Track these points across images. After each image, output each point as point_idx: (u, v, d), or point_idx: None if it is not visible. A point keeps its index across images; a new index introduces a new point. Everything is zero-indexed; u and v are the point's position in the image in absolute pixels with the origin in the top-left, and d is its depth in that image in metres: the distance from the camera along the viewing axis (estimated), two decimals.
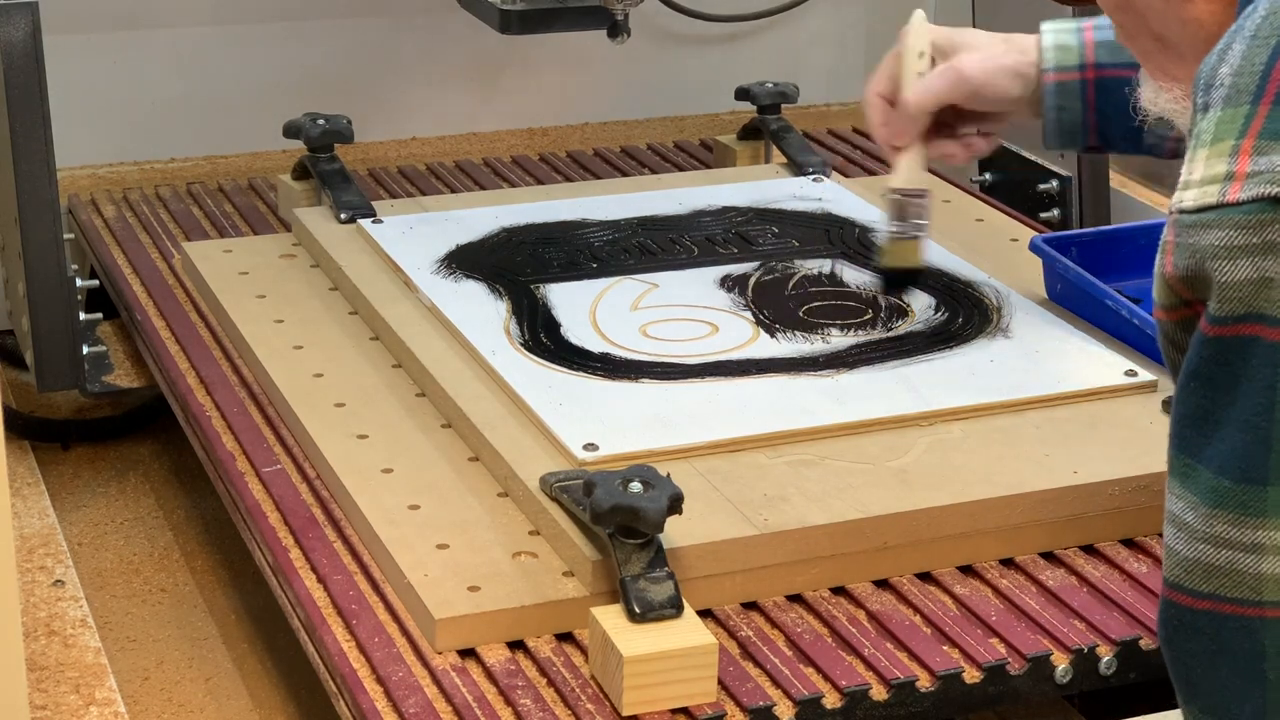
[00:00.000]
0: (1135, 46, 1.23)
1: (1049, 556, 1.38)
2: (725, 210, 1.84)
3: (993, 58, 1.55)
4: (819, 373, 1.52)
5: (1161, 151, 1.55)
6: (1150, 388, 1.51)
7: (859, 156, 2.19)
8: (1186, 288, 0.99)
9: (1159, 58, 1.21)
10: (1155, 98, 1.24)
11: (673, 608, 1.22)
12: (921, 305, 1.64)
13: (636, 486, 1.24)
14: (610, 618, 1.22)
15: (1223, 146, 0.98)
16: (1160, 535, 1.39)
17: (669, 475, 1.26)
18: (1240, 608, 0.99)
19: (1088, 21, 1.54)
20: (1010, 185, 2.12)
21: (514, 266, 1.72)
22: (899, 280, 1.64)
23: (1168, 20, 1.16)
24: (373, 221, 1.80)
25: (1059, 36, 1.54)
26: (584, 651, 1.26)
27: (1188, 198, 0.99)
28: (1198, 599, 1.00)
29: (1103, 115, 1.54)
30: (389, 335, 1.62)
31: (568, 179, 2.10)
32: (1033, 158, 2.09)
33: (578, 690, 1.22)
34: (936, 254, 1.74)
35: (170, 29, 2.15)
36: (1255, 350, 0.96)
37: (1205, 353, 0.98)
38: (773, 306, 1.64)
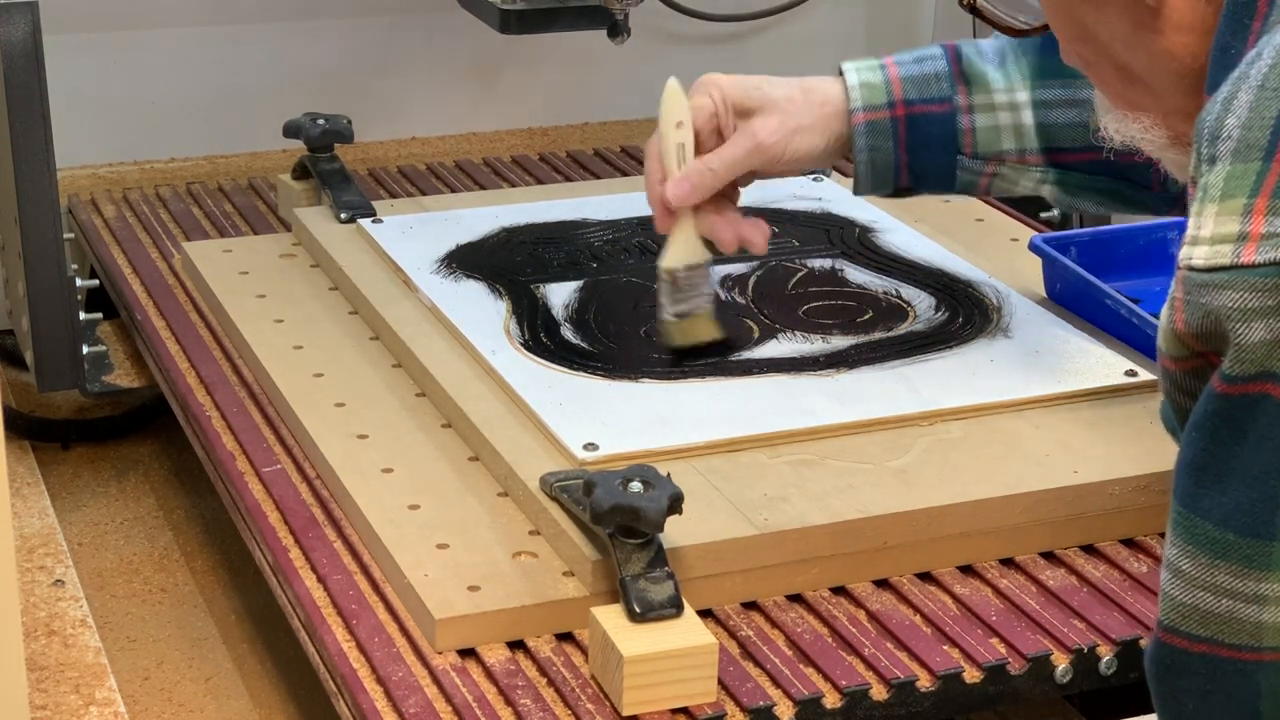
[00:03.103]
0: (1093, 74, 1.20)
1: (1049, 556, 1.38)
2: None
3: (791, 117, 1.50)
4: (819, 373, 1.52)
5: (975, 190, 1.53)
6: (1150, 388, 1.51)
7: None
8: (1199, 342, 0.98)
9: (1119, 85, 1.18)
10: (1120, 126, 1.20)
11: (673, 607, 1.22)
12: (922, 305, 1.64)
13: (636, 486, 1.24)
14: (610, 617, 1.22)
15: (1234, 204, 0.96)
16: (1161, 535, 1.39)
17: (669, 475, 1.26)
18: (1238, 652, 0.98)
19: (888, 57, 1.51)
20: None
21: (514, 266, 1.71)
22: (693, 355, 1.54)
23: (1135, 51, 1.13)
24: (373, 221, 1.80)
25: (863, 74, 1.50)
26: (584, 651, 1.26)
27: (1197, 255, 0.97)
28: (1193, 642, 0.99)
29: (914, 153, 1.51)
30: (389, 335, 1.62)
31: (568, 179, 2.10)
32: None
33: (578, 690, 1.22)
34: (936, 254, 1.75)
35: (170, 29, 2.15)
36: (1266, 408, 0.95)
37: (1213, 407, 0.97)
38: (773, 306, 1.64)
